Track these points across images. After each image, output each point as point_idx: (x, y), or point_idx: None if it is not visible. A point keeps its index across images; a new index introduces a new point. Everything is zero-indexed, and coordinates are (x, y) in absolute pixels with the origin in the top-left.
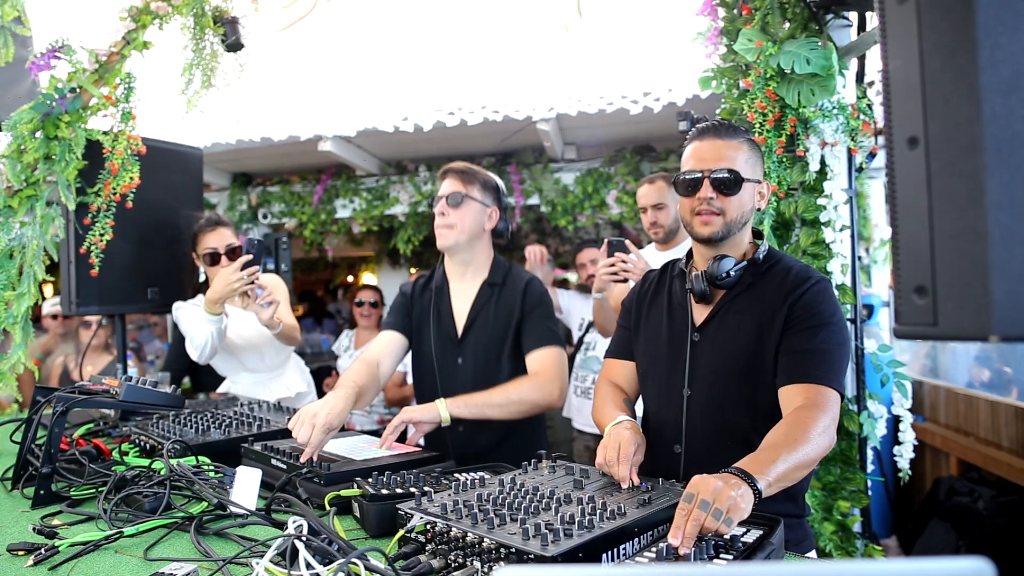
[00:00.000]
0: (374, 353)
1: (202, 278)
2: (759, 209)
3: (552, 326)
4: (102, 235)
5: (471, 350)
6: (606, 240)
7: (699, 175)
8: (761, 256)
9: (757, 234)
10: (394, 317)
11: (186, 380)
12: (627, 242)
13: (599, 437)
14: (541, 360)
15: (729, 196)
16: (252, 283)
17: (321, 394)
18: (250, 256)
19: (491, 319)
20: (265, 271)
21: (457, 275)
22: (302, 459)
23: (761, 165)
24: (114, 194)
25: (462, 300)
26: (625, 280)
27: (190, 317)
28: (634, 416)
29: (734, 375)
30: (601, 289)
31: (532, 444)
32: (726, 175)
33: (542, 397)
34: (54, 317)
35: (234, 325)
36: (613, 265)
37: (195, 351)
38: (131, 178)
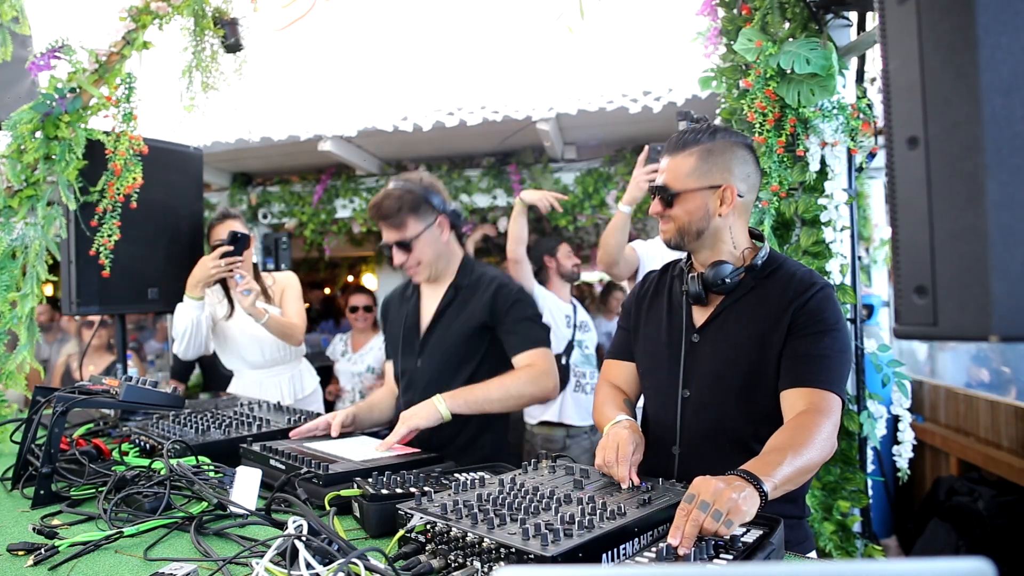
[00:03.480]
0: (391, 383)
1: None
2: (720, 215)
3: (536, 327)
4: (110, 236)
5: (430, 352)
6: (647, 146)
7: (651, 191)
8: (760, 261)
9: (758, 236)
10: (390, 344)
11: (194, 376)
12: None
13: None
14: (531, 357)
15: (668, 208)
16: (231, 271)
17: (324, 402)
18: (230, 248)
19: (453, 322)
20: (265, 270)
21: (430, 281)
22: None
23: (727, 168)
24: (118, 195)
25: (430, 303)
26: None
27: (179, 310)
28: (634, 416)
29: (733, 379)
30: (634, 200)
31: (502, 442)
32: (659, 190)
33: (538, 390)
34: None
35: (237, 319)
36: (656, 171)
37: (176, 339)
38: (134, 178)
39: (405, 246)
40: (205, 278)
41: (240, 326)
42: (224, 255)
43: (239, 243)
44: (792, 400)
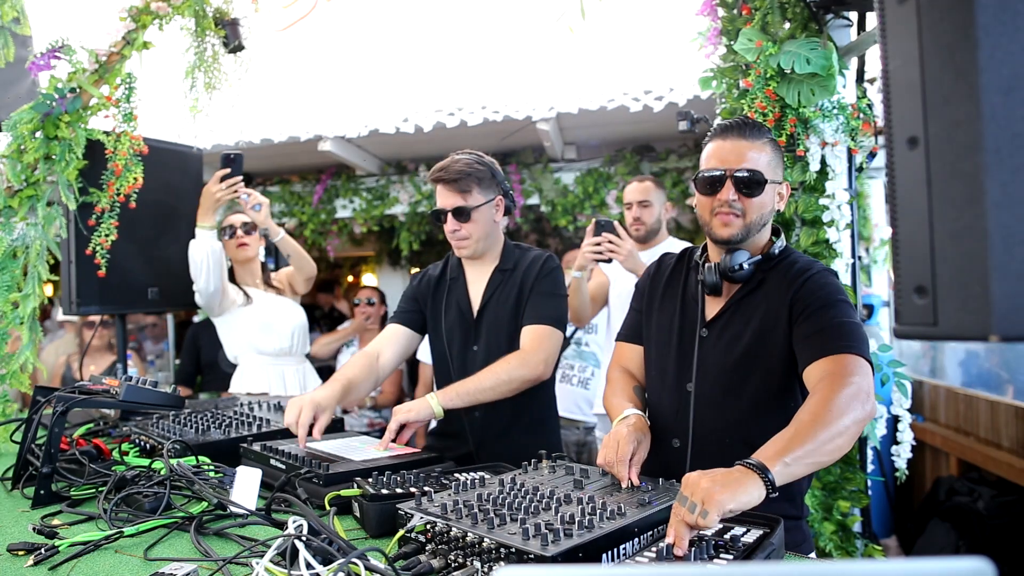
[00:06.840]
0: (375, 345)
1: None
2: (778, 210)
3: (556, 304)
4: (107, 235)
5: (485, 334)
6: (594, 220)
7: (721, 174)
8: (776, 251)
9: (775, 231)
10: (402, 309)
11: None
12: (615, 223)
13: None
14: (531, 335)
15: (751, 197)
16: (235, 192)
17: None
18: (228, 170)
19: (504, 302)
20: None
21: (472, 263)
22: (300, 443)
23: (782, 166)
24: (118, 195)
25: (476, 286)
26: (609, 260)
27: (194, 244)
28: (644, 405)
29: (738, 372)
30: (583, 267)
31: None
32: (749, 175)
33: (529, 372)
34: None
35: (253, 307)
36: (599, 244)
37: (195, 274)
38: (135, 178)
39: (465, 214)
40: (213, 204)
41: (254, 312)
42: (223, 178)
43: (235, 163)
44: (812, 375)
